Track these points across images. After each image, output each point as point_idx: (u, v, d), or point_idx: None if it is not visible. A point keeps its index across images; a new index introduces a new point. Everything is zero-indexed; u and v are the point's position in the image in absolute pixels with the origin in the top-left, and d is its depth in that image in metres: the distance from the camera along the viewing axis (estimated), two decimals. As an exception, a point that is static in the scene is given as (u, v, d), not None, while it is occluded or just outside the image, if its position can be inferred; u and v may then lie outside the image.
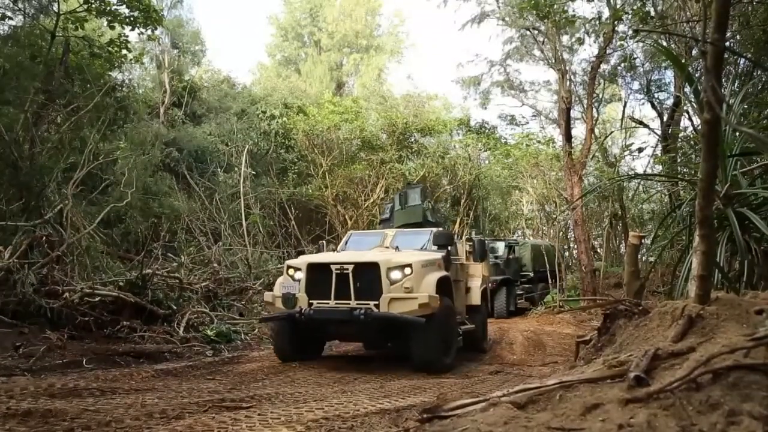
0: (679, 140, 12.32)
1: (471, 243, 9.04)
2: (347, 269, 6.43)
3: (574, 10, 13.05)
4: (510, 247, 16.13)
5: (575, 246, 17.72)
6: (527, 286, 16.49)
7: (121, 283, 8.45)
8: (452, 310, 6.96)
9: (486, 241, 8.79)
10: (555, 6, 12.11)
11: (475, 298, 8.65)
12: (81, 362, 6.28)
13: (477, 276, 8.96)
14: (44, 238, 8.16)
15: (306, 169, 19.11)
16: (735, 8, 7.67)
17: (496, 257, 15.11)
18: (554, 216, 20.61)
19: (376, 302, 6.21)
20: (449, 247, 7.61)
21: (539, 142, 21.45)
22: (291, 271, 6.91)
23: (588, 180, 18.84)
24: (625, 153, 18.89)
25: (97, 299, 7.60)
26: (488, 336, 9.45)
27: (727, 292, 3.07)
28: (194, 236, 14.40)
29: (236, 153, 17.50)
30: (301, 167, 19.35)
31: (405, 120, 19.81)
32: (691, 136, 11.14)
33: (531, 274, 16.78)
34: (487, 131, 24.05)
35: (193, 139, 18.51)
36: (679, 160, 10.77)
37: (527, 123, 23.41)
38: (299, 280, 6.71)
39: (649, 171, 16.27)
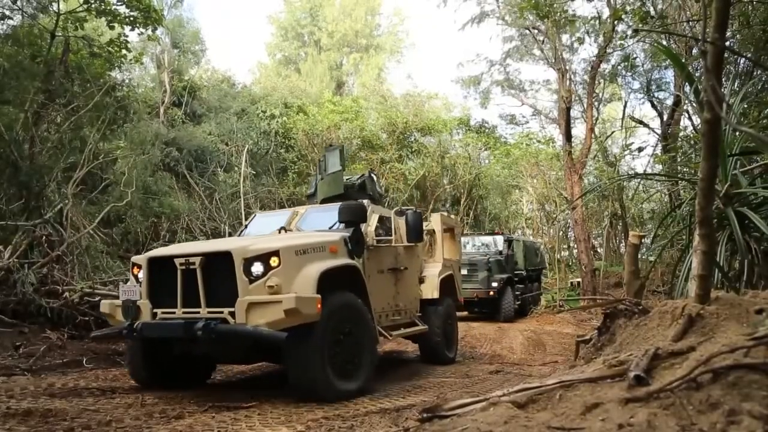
0: (679, 140, 12.32)
1: (404, 218, 6.66)
2: (194, 264, 4.58)
3: (574, 10, 13.07)
4: (509, 243, 15.42)
5: (575, 245, 17.73)
6: (520, 286, 15.67)
7: (121, 283, 8.45)
8: (358, 312, 4.98)
9: (423, 216, 6.87)
10: (555, 6, 12.10)
11: (431, 290, 6.99)
12: (81, 362, 6.28)
13: (436, 262, 7.47)
14: (44, 237, 8.16)
15: (306, 169, 19.10)
16: (735, 8, 7.66)
17: (499, 253, 14.54)
18: (554, 215, 20.62)
19: (233, 309, 4.39)
20: (362, 225, 5.62)
21: (539, 141, 21.49)
22: (135, 270, 5.13)
23: (588, 179, 18.86)
24: (625, 152, 18.91)
25: (97, 299, 7.60)
26: (455, 341, 7.80)
27: (727, 292, 3.07)
28: (194, 236, 14.41)
29: (236, 152, 17.51)
30: (301, 167, 19.35)
31: (405, 119, 19.82)
32: (691, 135, 11.14)
33: (524, 273, 16.29)
34: (487, 130, 24.07)
35: (193, 139, 18.50)
36: (679, 159, 10.77)
37: (527, 122, 23.49)
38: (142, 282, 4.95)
39: (649, 170, 16.28)
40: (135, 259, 5.31)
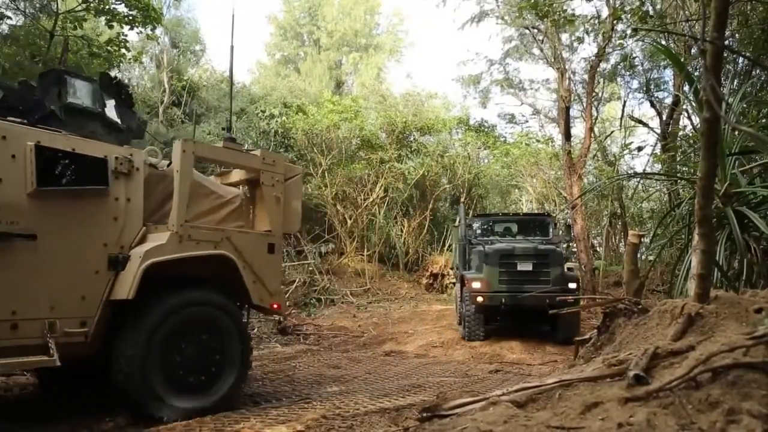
0: (679, 139, 12.32)
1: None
2: None
3: (573, 9, 13.08)
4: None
5: (574, 245, 17.73)
6: None
7: None
8: None
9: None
10: (554, 5, 12.11)
11: (124, 286, 3.96)
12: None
13: (161, 232, 4.28)
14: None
15: (305, 169, 19.11)
16: (734, 7, 7.67)
17: (568, 240, 10.98)
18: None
19: None
20: None
21: (538, 140, 21.47)
22: None
23: (587, 179, 18.86)
24: (625, 152, 18.90)
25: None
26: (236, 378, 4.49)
27: (727, 291, 3.07)
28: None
29: (235, 152, 17.41)
30: (301, 166, 19.36)
31: (404, 119, 19.81)
32: (691, 134, 11.14)
33: None
34: (486, 130, 24.06)
35: (193, 139, 18.50)
36: (678, 159, 10.77)
37: (527, 122, 23.49)
38: None
39: (648, 170, 16.29)
40: None
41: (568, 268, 9.22)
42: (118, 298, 3.96)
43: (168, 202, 4.41)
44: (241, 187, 5.32)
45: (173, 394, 4.00)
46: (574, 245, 11.97)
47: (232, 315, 4.49)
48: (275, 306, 4.91)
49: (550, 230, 10.66)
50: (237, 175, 5.22)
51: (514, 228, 10.86)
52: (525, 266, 8.90)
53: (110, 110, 4.75)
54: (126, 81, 16.70)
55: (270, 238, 4.92)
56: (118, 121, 4.80)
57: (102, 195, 4.02)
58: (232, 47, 5.31)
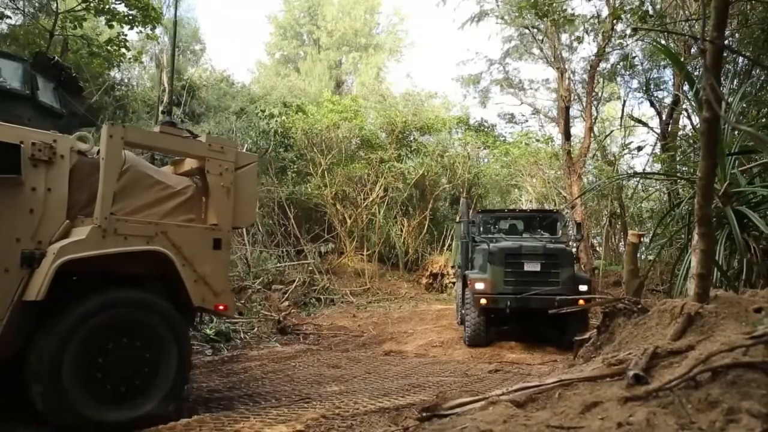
0: (678, 139, 12.33)
1: None
2: None
3: (573, 9, 13.09)
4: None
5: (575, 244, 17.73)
6: None
7: (120, 282, 8.39)
8: None
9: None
10: (554, 5, 12.11)
11: (34, 287, 3.49)
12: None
13: (85, 225, 3.79)
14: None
15: (305, 168, 19.12)
16: (734, 7, 7.67)
17: (579, 239, 10.06)
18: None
19: None
20: None
21: (538, 140, 21.48)
22: None
23: (587, 178, 18.86)
24: (624, 151, 18.92)
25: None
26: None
27: (726, 291, 3.07)
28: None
29: (235, 152, 17.41)
30: (300, 166, 19.36)
31: (404, 119, 19.82)
32: (690, 134, 11.15)
33: None
34: (486, 129, 24.07)
35: (192, 138, 18.47)
36: (678, 158, 10.78)
37: (526, 121, 23.51)
38: None
39: (648, 169, 16.30)
40: None
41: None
42: (28, 299, 3.49)
43: None
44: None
45: (92, 404, 3.54)
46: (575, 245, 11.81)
47: (165, 317, 3.98)
48: (221, 307, 4.37)
49: (559, 228, 9.91)
50: (190, 163, 4.69)
51: (520, 225, 10.17)
52: (532, 266, 8.30)
53: (45, 93, 4.32)
54: (126, 80, 16.70)
55: (216, 232, 4.38)
56: (56, 105, 4.41)
57: (14, 184, 3.51)
58: (175, 14, 5.61)
